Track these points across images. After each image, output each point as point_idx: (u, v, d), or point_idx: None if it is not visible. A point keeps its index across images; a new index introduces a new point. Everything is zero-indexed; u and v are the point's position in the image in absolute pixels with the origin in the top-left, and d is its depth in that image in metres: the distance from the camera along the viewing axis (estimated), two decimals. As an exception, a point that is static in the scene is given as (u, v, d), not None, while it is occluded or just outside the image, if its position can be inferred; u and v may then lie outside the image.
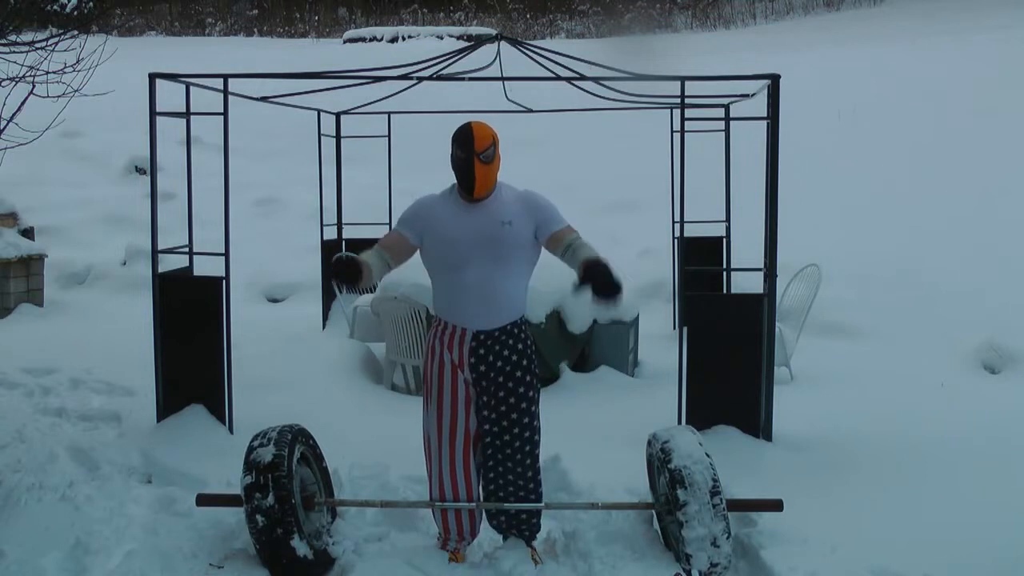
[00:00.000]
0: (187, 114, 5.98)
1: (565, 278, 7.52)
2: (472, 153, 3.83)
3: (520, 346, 3.98)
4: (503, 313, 3.93)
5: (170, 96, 5.89)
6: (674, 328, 8.66)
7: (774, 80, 5.60)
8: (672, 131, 8.65)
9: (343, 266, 3.75)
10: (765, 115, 5.68)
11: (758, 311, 5.64)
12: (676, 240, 8.22)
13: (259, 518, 3.89)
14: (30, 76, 5.36)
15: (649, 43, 22.88)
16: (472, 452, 4.07)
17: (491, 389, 3.97)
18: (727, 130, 8.10)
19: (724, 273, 8.47)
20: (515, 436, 3.99)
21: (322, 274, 9.05)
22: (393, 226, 4.07)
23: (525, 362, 3.98)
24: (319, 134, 8.92)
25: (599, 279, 3.58)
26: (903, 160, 12.15)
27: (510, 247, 3.88)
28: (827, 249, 8.92)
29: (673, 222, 8.18)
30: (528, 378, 3.99)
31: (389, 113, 9.05)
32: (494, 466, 4.05)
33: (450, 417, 4.02)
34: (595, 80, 6.74)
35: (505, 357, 3.95)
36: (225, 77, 5.68)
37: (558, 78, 6.54)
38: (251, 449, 4.08)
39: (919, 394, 6.68)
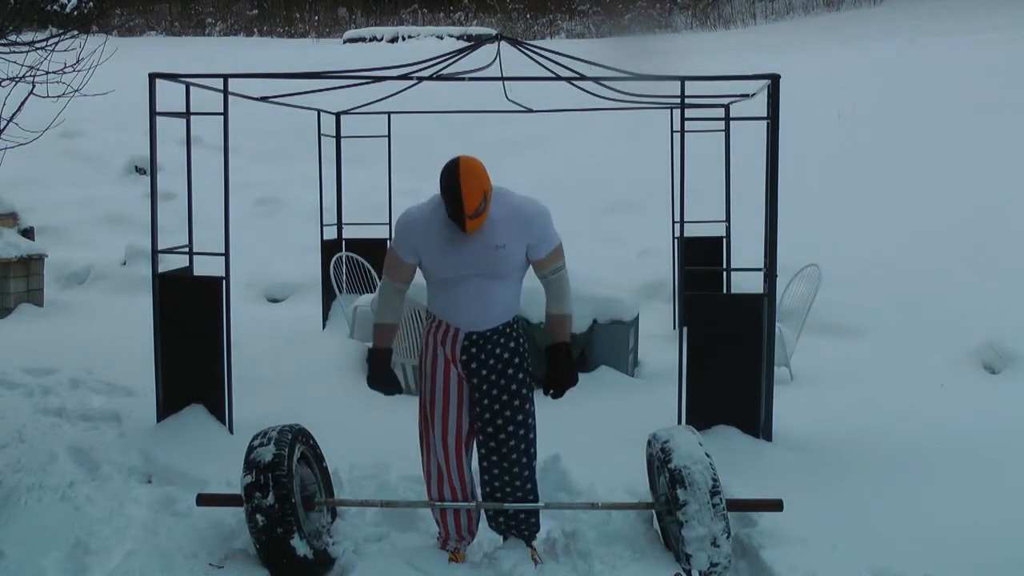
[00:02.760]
0: (187, 114, 5.98)
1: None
2: (462, 214, 3.70)
3: (512, 344, 3.99)
4: (495, 317, 3.96)
5: (170, 96, 5.89)
6: (674, 328, 8.66)
7: (774, 80, 5.60)
8: (672, 131, 8.65)
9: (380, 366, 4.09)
10: (765, 115, 5.69)
11: (758, 311, 5.64)
12: (676, 240, 8.22)
13: (259, 517, 3.90)
14: (30, 76, 5.36)
15: (649, 43, 22.88)
16: (466, 447, 4.09)
17: (483, 387, 3.98)
18: (727, 130, 8.10)
19: (724, 273, 8.47)
20: (509, 435, 4.00)
21: (322, 274, 9.05)
22: (390, 246, 4.04)
23: (517, 360, 4.00)
24: (319, 134, 8.92)
25: (556, 377, 3.99)
26: (903, 160, 12.14)
27: (503, 266, 3.89)
28: (827, 249, 8.93)
29: (673, 222, 8.17)
30: (521, 375, 4.00)
31: (389, 113, 9.05)
32: (488, 467, 4.06)
33: (442, 410, 4.03)
34: (595, 80, 6.74)
35: (497, 355, 3.96)
36: (225, 77, 5.68)
37: (558, 78, 6.54)
38: (251, 448, 4.08)
39: (919, 394, 6.68)
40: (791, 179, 6.80)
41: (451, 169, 3.71)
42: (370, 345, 4.19)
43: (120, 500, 4.61)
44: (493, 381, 3.97)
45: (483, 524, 4.28)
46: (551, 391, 4.01)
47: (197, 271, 6.20)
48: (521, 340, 4.04)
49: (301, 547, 3.90)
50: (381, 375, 4.09)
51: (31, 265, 9.66)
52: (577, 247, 11.22)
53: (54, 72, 5.41)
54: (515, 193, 3.97)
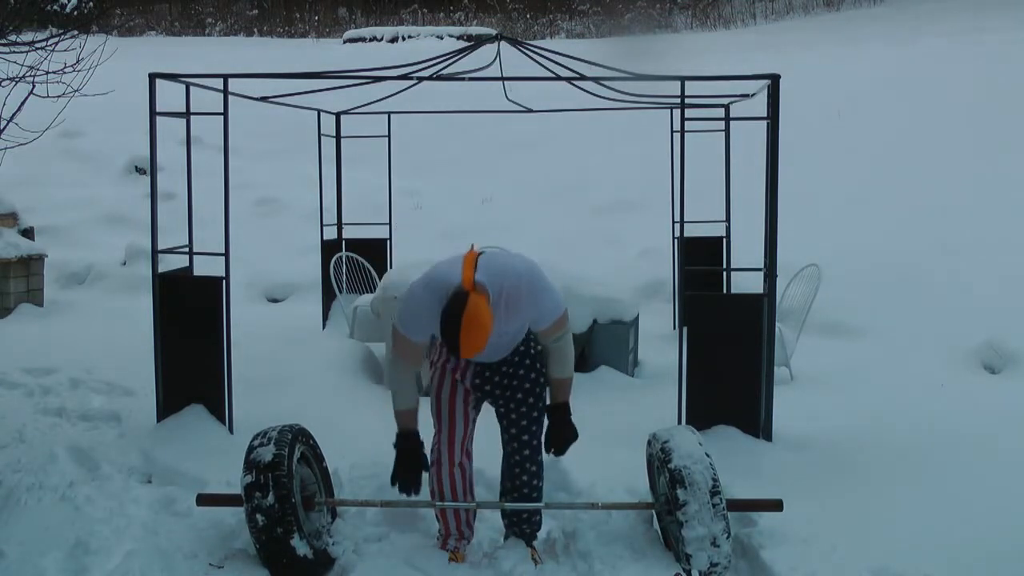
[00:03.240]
0: (187, 114, 5.98)
1: (565, 278, 7.53)
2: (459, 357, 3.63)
3: (522, 347, 4.02)
4: (505, 352, 3.99)
5: (170, 96, 5.89)
6: (674, 328, 8.65)
7: (774, 80, 5.59)
8: (672, 131, 8.65)
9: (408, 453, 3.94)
10: (765, 115, 5.68)
11: (758, 311, 5.64)
12: (676, 240, 8.22)
13: (259, 517, 3.89)
14: (30, 76, 5.36)
15: (649, 43, 22.89)
16: (466, 444, 4.11)
17: (495, 392, 4.04)
18: (727, 130, 8.10)
19: (724, 273, 8.47)
20: (523, 429, 4.06)
21: (322, 274, 9.05)
22: (397, 328, 3.80)
23: (528, 361, 4.03)
24: (319, 134, 8.92)
25: (557, 435, 3.98)
26: (903, 160, 12.15)
27: (508, 340, 3.91)
28: (827, 249, 8.93)
29: (673, 222, 8.18)
30: (533, 375, 4.04)
31: (389, 113, 9.04)
32: (509, 467, 4.12)
33: (448, 407, 4.07)
34: (595, 80, 6.74)
35: (508, 360, 4.01)
36: (225, 77, 5.68)
37: (558, 78, 6.54)
38: (251, 448, 4.08)
39: (919, 394, 6.68)
40: (791, 179, 6.80)
41: (453, 321, 3.45)
42: (393, 421, 3.97)
43: (120, 500, 4.61)
44: (506, 384, 4.03)
45: (483, 524, 4.29)
46: (552, 449, 4.01)
47: (197, 271, 6.20)
48: (532, 342, 4.06)
49: (301, 547, 3.90)
50: (410, 463, 3.91)
51: (31, 265, 9.65)
52: (577, 247, 11.27)
53: (54, 72, 5.40)
54: (508, 264, 3.74)
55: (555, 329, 3.84)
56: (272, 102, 7.27)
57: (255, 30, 29.88)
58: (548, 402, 4.04)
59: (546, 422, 4.06)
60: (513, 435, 4.09)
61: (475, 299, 3.46)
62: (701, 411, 5.58)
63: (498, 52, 6.33)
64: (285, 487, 3.92)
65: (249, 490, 3.93)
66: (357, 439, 5.37)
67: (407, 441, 3.93)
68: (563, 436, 4.00)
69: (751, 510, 4.27)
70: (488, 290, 3.57)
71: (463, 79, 6.55)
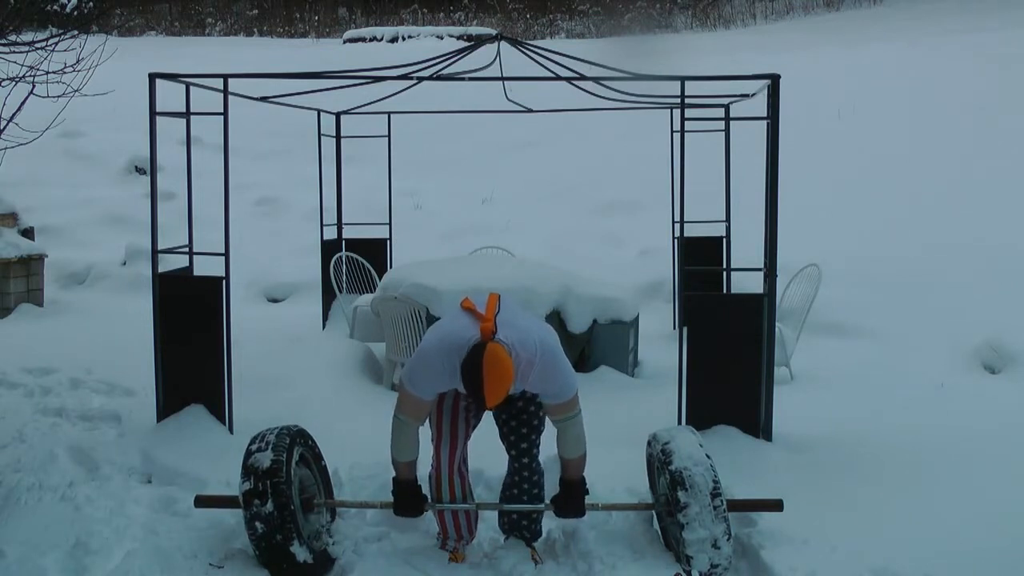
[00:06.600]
0: (187, 114, 5.98)
1: (565, 278, 7.51)
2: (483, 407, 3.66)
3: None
4: None
5: (170, 96, 5.89)
6: (674, 328, 8.65)
7: (774, 80, 5.59)
8: (672, 131, 8.64)
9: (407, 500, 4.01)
10: (765, 115, 5.68)
11: (758, 311, 5.64)
12: (676, 240, 8.22)
13: (258, 525, 3.88)
14: (30, 76, 5.36)
15: (649, 43, 22.89)
16: (463, 450, 4.10)
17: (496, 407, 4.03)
18: (727, 130, 8.09)
19: (724, 273, 8.46)
20: (522, 437, 4.07)
21: (322, 274, 9.05)
22: (407, 388, 3.84)
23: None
24: (319, 134, 8.92)
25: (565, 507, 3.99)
26: (903, 160, 12.15)
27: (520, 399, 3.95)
28: (827, 249, 8.92)
29: (673, 222, 8.17)
30: (529, 394, 4.03)
31: (389, 113, 9.04)
32: (512, 472, 4.13)
33: (451, 416, 4.06)
34: (595, 80, 6.74)
35: None
36: (225, 77, 5.68)
37: (558, 78, 6.54)
38: (249, 453, 4.06)
39: (919, 394, 6.68)
40: (791, 179, 6.80)
41: (475, 372, 3.50)
42: (393, 475, 4.04)
43: (120, 500, 4.61)
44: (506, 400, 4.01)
45: (482, 524, 4.29)
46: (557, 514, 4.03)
47: (197, 271, 6.20)
48: None
49: (301, 553, 3.89)
50: (409, 507, 4.03)
51: (31, 265, 9.65)
52: (577, 247, 11.24)
53: (54, 72, 5.40)
54: (527, 334, 3.75)
55: (562, 410, 3.86)
56: (272, 102, 7.27)
57: (255, 30, 29.88)
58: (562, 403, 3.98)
59: (547, 427, 4.06)
60: (512, 442, 4.10)
61: (493, 348, 3.49)
62: (701, 411, 5.57)
63: (498, 52, 6.33)
64: (284, 494, 3.89)
65: (248, 497, 3.91)
66: (357, 439, 5.37)
67: (405, 488, 3.99)
68: (566, 510, 4.02)
69: (751, 510, 4.27)
70: (505, 344, 3.58)
71: (463, 79, 6.55)
